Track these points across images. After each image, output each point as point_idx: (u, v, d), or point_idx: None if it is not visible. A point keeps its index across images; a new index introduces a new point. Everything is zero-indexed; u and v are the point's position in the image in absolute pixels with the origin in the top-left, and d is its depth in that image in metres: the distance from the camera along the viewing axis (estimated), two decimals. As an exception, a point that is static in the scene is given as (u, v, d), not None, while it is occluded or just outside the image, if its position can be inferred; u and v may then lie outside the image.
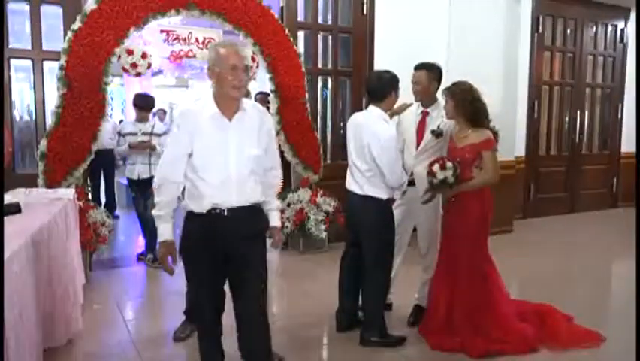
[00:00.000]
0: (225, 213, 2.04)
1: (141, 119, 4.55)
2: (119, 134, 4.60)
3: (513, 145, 5.76)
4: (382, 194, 2.82)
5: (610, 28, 7.08)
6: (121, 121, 8.07)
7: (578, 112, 7.00)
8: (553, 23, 6.58)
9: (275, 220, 2.32)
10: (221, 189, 2.02)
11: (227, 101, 2.03)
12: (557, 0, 6.44)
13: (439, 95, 3.10)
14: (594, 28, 6.96)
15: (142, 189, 4.44)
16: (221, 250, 2.07)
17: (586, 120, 7.13)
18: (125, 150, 4.52)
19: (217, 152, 2.02)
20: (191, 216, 2.09)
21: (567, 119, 6.94)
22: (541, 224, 6.29)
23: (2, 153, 2.63)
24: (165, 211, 2.07)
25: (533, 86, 6.37)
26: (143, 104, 4.58)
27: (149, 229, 4.50)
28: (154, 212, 2.09)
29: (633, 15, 7.04)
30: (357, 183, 2.87)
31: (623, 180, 7.30)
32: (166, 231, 2.08)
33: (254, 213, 2.14)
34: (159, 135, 4.50)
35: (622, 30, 7.14)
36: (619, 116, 7.31)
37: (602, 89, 7.25)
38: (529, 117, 6.41)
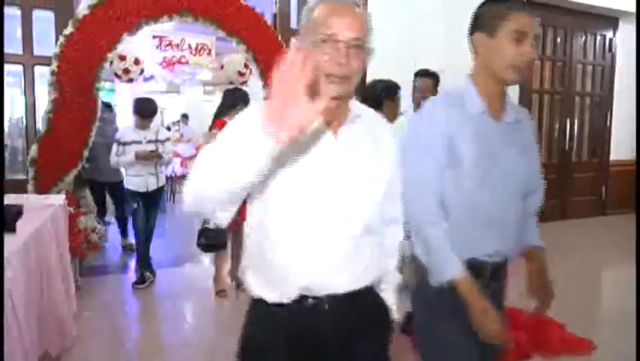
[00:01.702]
0: (326, 305, 1.19)
1: (143, 126, 4.12)
2: (119, 142, 4.05)
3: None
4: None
5: (599, 37, 7.18)
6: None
7: (568, 120, 7.08)
8: (543, 32, 6.65)
9: (390, 303, 1.36)
10: (318, 260, 1.16)
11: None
12: (547, 10, 6.51)
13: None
14: (583, 38, 7.05)
15: (151, 200, 4.22)
16: None
17: (575, 128, 7.20)
18: (129, 161, 4.02)
19: (310, 192, 1.16)
20: (259, 308, 1.23)
21: (557, 126, 7.01)
22: (532, 231, 6.30)
23: (2, 155, 2.59)
24: None
25: (524, 94, 6.42)
26: (146, 110, 4.11)
27: (148, 240, 4.31)
28: None
29: (621, 25, 7.15)
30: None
31: (611, 188, 7.36)
32: None
33: (373, 304, 1.31)
34: (163, 142, 4.20)
35: (610, 40, 7.24)
36: (608, 124, 7.39)
37: (591, 98, 7.33)
38: (520, 125, 6.43)
